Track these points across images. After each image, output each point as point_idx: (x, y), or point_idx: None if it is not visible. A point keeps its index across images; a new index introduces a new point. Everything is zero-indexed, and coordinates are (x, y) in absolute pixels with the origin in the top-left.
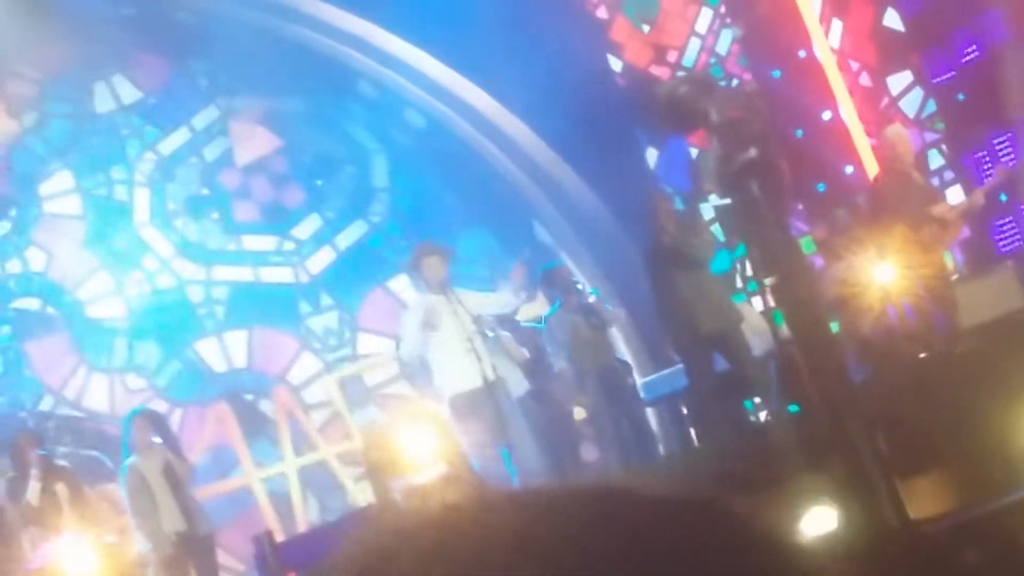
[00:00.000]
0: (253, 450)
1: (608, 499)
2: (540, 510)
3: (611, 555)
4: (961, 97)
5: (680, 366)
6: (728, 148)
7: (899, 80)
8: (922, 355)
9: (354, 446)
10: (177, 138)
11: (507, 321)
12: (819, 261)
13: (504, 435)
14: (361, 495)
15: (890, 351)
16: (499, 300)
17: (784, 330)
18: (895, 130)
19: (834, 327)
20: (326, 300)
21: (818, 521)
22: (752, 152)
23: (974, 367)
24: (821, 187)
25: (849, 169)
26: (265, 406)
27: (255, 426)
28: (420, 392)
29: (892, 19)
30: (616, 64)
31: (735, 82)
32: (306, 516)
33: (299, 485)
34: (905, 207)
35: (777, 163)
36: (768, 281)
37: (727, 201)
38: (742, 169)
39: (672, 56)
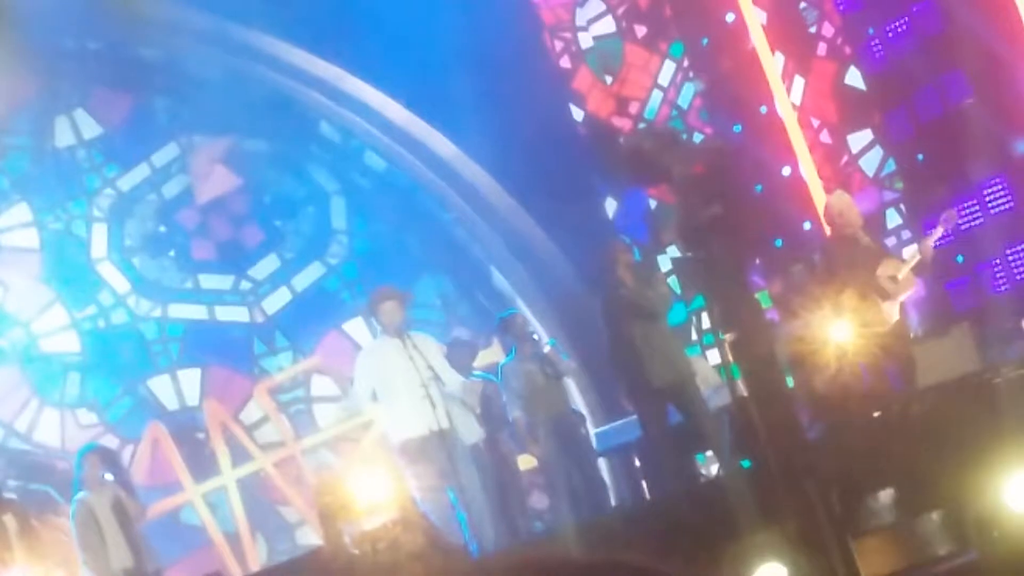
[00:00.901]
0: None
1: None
2: None
3: None
4: (920, 157)
5: (634, 417)
6: (691, 203)
7: (859, 138)
8: (876, 414)
9: (290, 454)
10: (136, 174)
11: (463, 368)
12: (774, 315)
13: (454, 481)
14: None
15: (845, 410)
16: (454, 379)
17: (740, 385)
18: (840, 196)
19: (789, 384)
20: (281, 341)
21: None
22: (715, 208)
23: (929, 427)
24: (779, 242)
25: (807, 225)
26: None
27: (208, 465)
28: (370, 435)
29: (854, 77)
30: (578, 114)
31: (696, 136)
32: (250, 532)
33: (239, 498)
34: (853, 271)
35: (740, 220)
36: (727, 337)
37: (685, 254)
38: (705, 225)
39: (634, 108)
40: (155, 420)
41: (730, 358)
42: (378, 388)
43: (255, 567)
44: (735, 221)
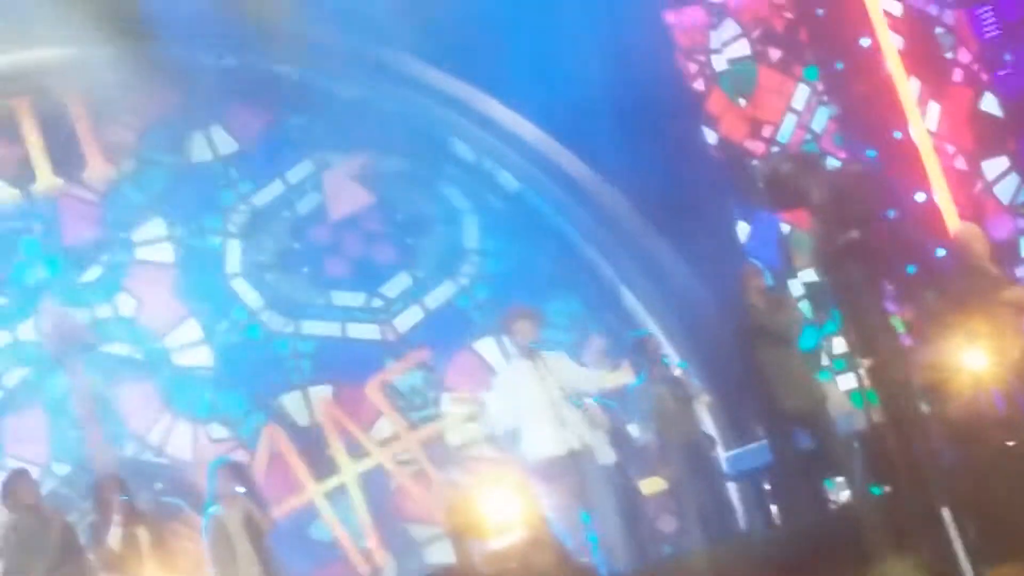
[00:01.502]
0: (337, 508)
1: None
2: None
3: None
4: None
5: (764, 442)
6: (829, 228)
7: (995, 165)
8: (1010, 443)
9: (408, 446)
10: (271, 191)
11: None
12: (908, 343)
13: (586, 502)
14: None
15: (978, 437)
16: (595, 378)
17: (876, 411)
18: (967, 228)
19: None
20: (412, 359)
21: None
22: (853, 233)
23: None
24: (911, 269)
25: (940, 252)
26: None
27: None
28: (503, 455)
29: (990, 104)
30: (711, 136)
31: (830, 160)
32: (376, 534)
33: (361, 494)
34: (982, 300)
35: (878, 246)
36: (865, 363)
37: (821, 279)
38: (843, 250)
39: (767, 131)
40: (273, 424)
41: (867, 383)
42: (513, 409)
43: (382, 567)
44: (873, 247)
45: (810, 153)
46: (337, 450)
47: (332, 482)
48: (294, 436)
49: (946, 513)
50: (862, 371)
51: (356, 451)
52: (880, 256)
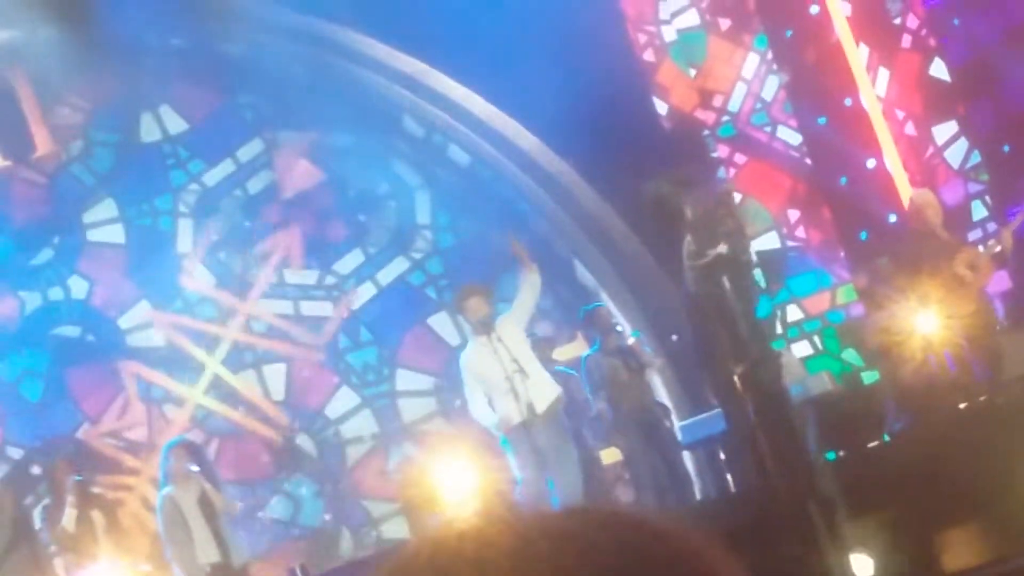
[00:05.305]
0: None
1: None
2: (572, 539)
3: None
4: (1006, 149)
5: (718, 410)
6: (700, 243)
7: (944, 130)
8: (962, 405)
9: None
10: (221, 170)
11: (544, 362)
12: (861, 309)
13: (545, 471)
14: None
15: (931, 400)
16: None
17: (824, 380)
18: (921, 194)
19: (875, 376)
20: (366, 335)
21: (856, 568)
22: (722, 247)
23: (1015, 418)
24: (864, 235)
25: (892, 218)
26: (302, 440)
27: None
28: (462, 428)
29: (939, 69)
30: (661, 107)
31: (779, 128)
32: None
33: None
34: (933, 265)
35: (746, 258)
36: (737, 369)
37: (768, 247)
38: (713, 263)
39: (718, 101)
40: (124, 360)
41: (740, 389)
42: (485, 390)
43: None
44: (741, 259)
45: (685, 173)
46: (194, 349)
47: (206, 378)
48: (151, 362)
49: (814, 508)
50: (735, 377)
51: (210, 345)
52: (749, 267)
